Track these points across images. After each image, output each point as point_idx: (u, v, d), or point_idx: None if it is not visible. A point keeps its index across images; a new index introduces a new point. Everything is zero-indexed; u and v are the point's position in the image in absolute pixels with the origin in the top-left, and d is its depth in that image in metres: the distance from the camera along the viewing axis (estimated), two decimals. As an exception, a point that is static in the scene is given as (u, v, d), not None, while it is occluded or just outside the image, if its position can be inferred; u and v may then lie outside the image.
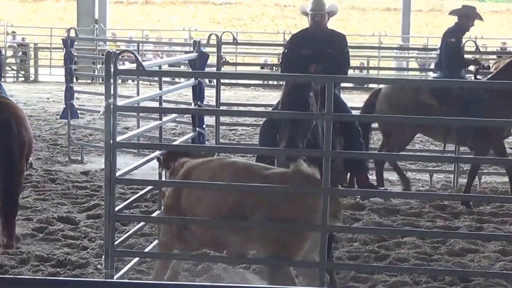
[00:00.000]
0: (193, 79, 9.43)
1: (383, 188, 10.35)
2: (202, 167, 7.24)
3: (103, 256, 7.16)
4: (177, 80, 13.34)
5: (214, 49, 12.73)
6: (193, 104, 9.41)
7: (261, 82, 27.46)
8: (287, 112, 8.51)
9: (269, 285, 7.28)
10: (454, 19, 11.58)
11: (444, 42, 11.35)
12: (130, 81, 26.93)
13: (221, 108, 12.69)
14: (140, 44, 17.70)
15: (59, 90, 23.83)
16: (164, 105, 10.49)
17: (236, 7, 53.77)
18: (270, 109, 16.08)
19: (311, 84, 7.79)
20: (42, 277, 7.02)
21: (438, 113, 10.32)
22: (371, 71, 28.87)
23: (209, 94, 13.98)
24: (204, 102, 9.89)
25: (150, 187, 8.50)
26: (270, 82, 27.34)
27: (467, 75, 11.58)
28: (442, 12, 49.60)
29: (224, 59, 12.39)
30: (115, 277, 7.18)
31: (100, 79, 24.74)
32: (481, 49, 13.09)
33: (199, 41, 9.63)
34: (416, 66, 31.82)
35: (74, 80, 14.60)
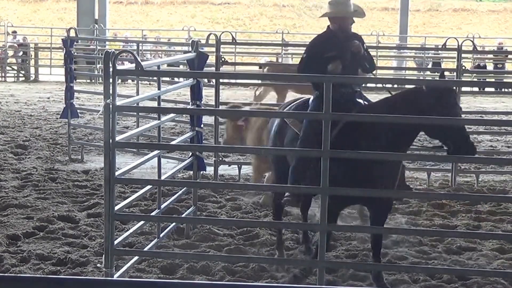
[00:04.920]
0: (192, 79, 9.48)
1: None
2: None
3: (103, 255, 7.21)
4: (176, 79, 13.37)
5: (213, 49, 12.77)
6: (191, 103, 9.46)
7: (260, 81, 27.46)
8: (285, 112, 8.54)
9: (269, 285, 7.33)
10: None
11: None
12: (129, 81, 26.97)
13: (220, 107, 12.72)
14: (140, 44, 17.73)
15: (59, 89, 23.90)
16: (163, 104, 10.54)
17: (235, 7, 53.77)
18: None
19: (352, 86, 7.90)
20: (42, 276, 7.06)
21: None
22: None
23: (208, 93, 14.03)
24: (203, 102, 9.93)
25: (149, 186, 8.54)
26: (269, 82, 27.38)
27: None
28: (440, 12, 49.68)
29: (223, 59, 12.43)
30: (115, 276, 7.22)
31: (100, 78, 24.77)
32: (479, 49, 13.10)
33: (197, 41, 9.67)
34: (414, 66, 31.89)
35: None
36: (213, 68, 12.76)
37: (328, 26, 8.35)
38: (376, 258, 7.97)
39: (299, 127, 8.13)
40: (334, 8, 8.30)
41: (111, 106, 6.96)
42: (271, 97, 25.51)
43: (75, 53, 14.74)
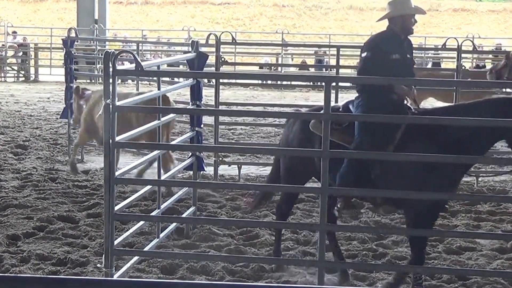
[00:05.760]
0: (192, 79, 9.48)
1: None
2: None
3: (103, 255, 7.22)
4: (176, 79, 13.37)
5: (213, 49, 12.78)
6: (191, 103, 9.46)
7: (259, 81, 27.51)
8: (285, 112, 8.55)
9: (269, 285, 7.33)
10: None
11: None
12: (129, 81, 26.98)
13: (220, 107, 12.73)
14: (139, 44, 17.73)
15: (59, 89, 23.90)
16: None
17: (234, 7, 53.79)
18: (268, 108, 16.16)
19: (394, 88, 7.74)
20: (42, 276, 7.06)
21: None
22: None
23: (208, 93, 14.04)
24: (203, 102, 9.94)
25: (149, 186, 8.54)
26: (269, 82, 27.39)
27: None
28: (440, 12, 49.69)
29: (223, 59, 12.44)
30: (115, 276, 7.23)
31: (100, 78, 24.77)
32: (478, 49, 13.05)
33: (197, 41, 9.68)
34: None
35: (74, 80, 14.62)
36: (213, 68, 12.76)
37: (388, 26, 8.06)
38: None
39: (342, 137, 7.79)
40: (395, 8, 8.02)
41: (111, 106, 6.97)
42: (271, 98, 25.55)
43: (75, 53, 14.74)
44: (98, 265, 8.14)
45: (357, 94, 7.93)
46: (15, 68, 32.29)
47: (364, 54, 7.84)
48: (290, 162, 8.32)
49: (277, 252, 8.65)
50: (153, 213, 8.79)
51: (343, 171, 7.69)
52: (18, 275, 7.55)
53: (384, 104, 7.62)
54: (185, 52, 19.24)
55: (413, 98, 7.97)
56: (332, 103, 8.12)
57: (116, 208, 7.23)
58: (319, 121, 7.77)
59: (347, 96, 23.86)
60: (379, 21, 8.23)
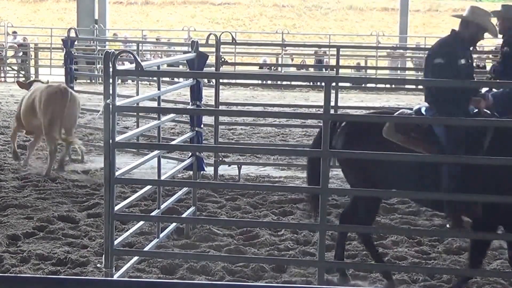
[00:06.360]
0: (192, 79, 9.49)
1: None
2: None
3: (103, 255, 7.22)
4: (176, 79, 13.38)
5: (213, 49, 12.78)
6: (191, 104, 9.47)
7: (259, 81, 27.51)
8: (285, 112, 8.55)
9: (269, 285, 7.33)
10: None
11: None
12: (129, 81, 26.98)
13: (220, 107, 12.73)
14: (139, 44, 17.74)
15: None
16: (163, 104, 10.54)
17: (234, 7, 53.81)
18: (268, 108, 16.16)
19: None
20: (42, 276, 7.06)
21: None
22: (368, 71, 28.94)
23: (208, 93, 14.04)
24: (203, 102, 9.95)
25: (149, 186, 8.55)
26: (269, 82, 27.38)
27: None
28: (440, 12, 49.75)
29: (223, 59, 12.44)
30: (115, 276, 7.23)
31: (100, 79, 24.76)
32: (478, 49, 12.99)
33: (197, 41, 9.68)
34: (411, 66, 31.89)
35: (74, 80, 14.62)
36: (213, 68, 12.77)
37: (453, 30, 8.05)
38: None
39: (423, 146, 7.59)
40: (476, 14, 7.97)
41: (111, 106, 6.97)
42: (271, 98, 25.54)
43: (75, 53, 14.74)
44: (98, 265, 8.14)
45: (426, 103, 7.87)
46: (15, 68, 32.28)
47: (437, 61, 7.77)
48: (369, 171, 7.81)
49: (340, 256, 8.22)
50: (153, 213, 8.79)
51: (451, 176, 7.61)
52: (18, 275, 7.55)
53: (460, 114, 7.56)
54: (185, 52, 19.25)
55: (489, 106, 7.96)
56: (332, 103, 8.12)
57: (116, 208, 7.23)
58: (394, 128, 7.64)
59: (348, 96, 23.86)
60: (453, 16, 8.23)
